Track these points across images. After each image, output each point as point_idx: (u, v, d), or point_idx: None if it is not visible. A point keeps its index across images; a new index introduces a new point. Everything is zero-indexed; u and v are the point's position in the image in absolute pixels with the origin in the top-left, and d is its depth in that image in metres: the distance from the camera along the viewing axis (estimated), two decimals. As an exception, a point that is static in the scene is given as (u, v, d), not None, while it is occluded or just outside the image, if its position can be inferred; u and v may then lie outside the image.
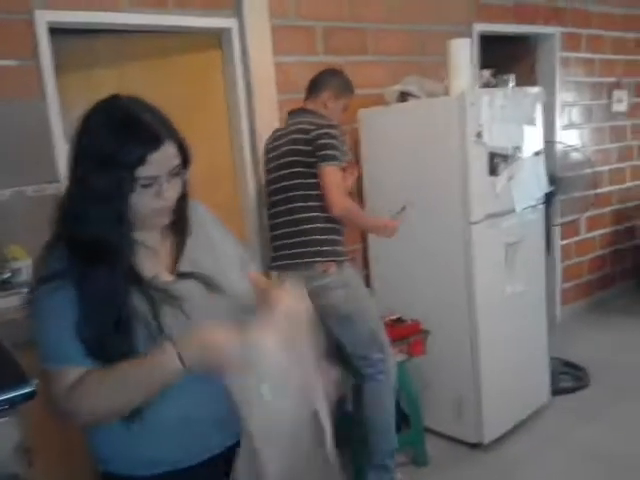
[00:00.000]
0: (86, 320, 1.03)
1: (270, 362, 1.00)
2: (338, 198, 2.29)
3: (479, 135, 2.58)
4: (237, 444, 1.09)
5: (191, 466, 1.14)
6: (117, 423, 1.07)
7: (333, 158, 2.29)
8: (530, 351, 3.05)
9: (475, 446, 2.84)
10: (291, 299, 1.13)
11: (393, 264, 3.01)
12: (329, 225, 2.37)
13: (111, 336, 1.04)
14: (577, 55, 4.22)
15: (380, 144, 2.93)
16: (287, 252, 2.40)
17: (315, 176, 2.32)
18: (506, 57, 4.13)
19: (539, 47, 4.15)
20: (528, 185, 2.89)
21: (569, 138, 4.18)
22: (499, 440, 2.87)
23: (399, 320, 2.80)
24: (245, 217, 2.88)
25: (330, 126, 2.33)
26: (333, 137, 2.31)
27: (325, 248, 2.36)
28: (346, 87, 2.55)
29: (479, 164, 2.63)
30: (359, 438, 2.59)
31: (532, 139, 2.89)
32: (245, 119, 2.75)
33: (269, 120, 2.72)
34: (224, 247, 1.27)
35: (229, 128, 2.82)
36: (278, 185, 2.41)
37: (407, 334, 2.70)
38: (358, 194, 3.10)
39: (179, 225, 1.20)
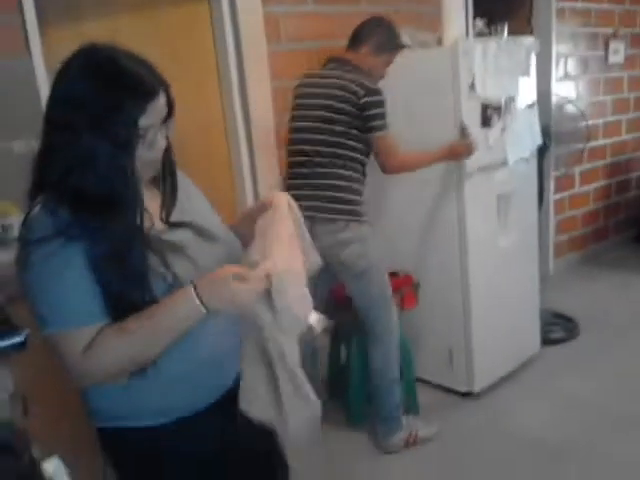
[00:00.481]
0: (106, 277, 1.01)
1: (285, 290, 1.04)
2: (394, 161, 2.34)
3: (472, 86, 2.56)
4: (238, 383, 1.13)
5: (198, 411, 1.15)
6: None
7: (385, 127, 2.30)
8: (521, 303, 3.09)
9: (466, 395, 2.92)
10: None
11: (385, 217, 3.02)
12: (359, 187, 2.40)
13: (134, 290, 1.02)
14: (574, 5, 4.13)
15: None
16: (311, 203, 2.31)
17: (360, 140, 2.32)
18: (501, 7, 4.04)
19: (535, -4, 4.06)
20: (521, 137, 2.87)
21: (564, 90, 4.14)
22: (489, 389, 2.94)
23: (393, 274, 2.83)
24: (236, 171, 2.86)
25: (378, 92, 2.30)
26: (382, 105, 2.30)
27: (352, 207, 2.37)
28: (389, 42, 2.43)
29: (472, 115, 2.61)
30: (354, 385, 2.69)
31: (526, 90, 2.86)
32: (235, 71, 2.70)
33: (258, 73, 2.68)
34: (203, 199, 1.30)
35: (219, 80, 2.77)
36: (314, 136, 2.35)
37: (399, 286, 2.73)
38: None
39: (166, 176, 1.20)
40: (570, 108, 3.91)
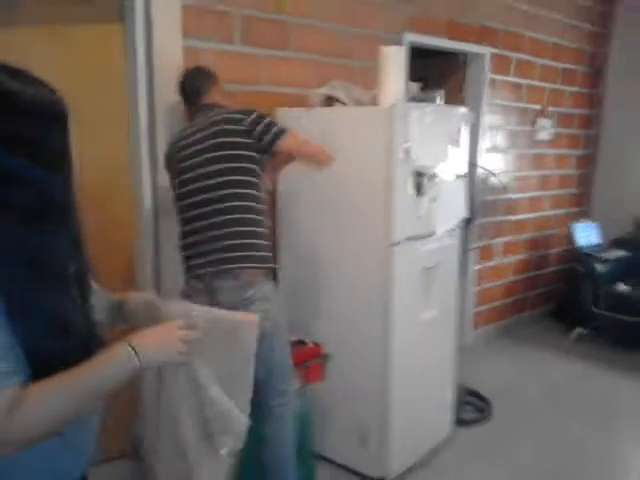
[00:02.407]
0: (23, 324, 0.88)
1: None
2: (294, 141, 2.17)
3: (406, 151, 2.39)
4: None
5: None
6: None
7: (283, 131, 2.12)
8: (438, 379, 2.93)
9: (378, 481, 2.66)
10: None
11: (302, 279, 2.78)
12: (261, 229, 2.14)
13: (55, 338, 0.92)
14: (506, 78, 4.17)
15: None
16: (212, 258, 2.10)
17: (254, 172, 2.11)
18: (434, 73, 4.02)
19: (469, 66, 4.06)
20: (450, 208, 2.74)
21: (492, 162, 4.13)
22: (402, 475, 2.70)
23: (300, 342, 2.58)
24: (139, 215, 2.55)
25: (252, 109, 2.13)
26: (265, 116, 2.13)
27: (256, 253, 2.11)
28: (211, 75, 2.31)
29: (404, 182, 2.44)
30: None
31: (456, 161, 2.75)
32: (145, 107, 2.41)
33: (171, 110, 2.41)
34: None
35: (127, 116, 2.48)
36: (199, 184, 2.10)
37: (305, 358, 2.48)
38: (271, 206, 2.84)
39: None
40: (494, 181, 3.89)
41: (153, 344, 1.03)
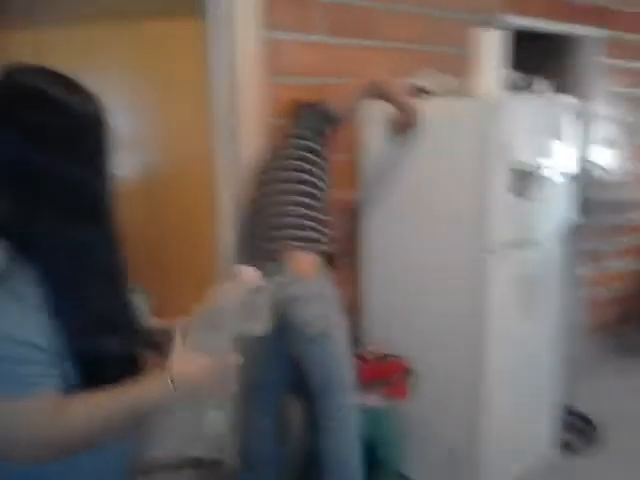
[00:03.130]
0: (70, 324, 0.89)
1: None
2: None
3: (504, 147, 2.14)
4: None
5: None
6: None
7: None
8: (539, 398, 2.65)
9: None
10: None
11: (386, 289, 2.59)
12: (308, 211, 2.00)
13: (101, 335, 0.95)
14: (621, 63, 3.73)
15: (381, 143, 2.48)
16: (257, 248, 2.02)
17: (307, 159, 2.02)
18: (536, 59, 3.65)
19: (577, 50, 3.66)
20: (554, 209, 2.44)
21: (604, 157, 3.71)
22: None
23: (383, 356, 2.40)
24: (218, 215, 2.47)
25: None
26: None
27: (303, 233, 1.96)
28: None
29: (501, 182, 2.18)
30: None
31: (563, 157, 2.44)
32: (225, 101, 2.31)
33: (253, 105, 2.29)
34: None
35: (206, 109, 2.40)
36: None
37: (388, 373, 2.29)
38: (350, 212, 2.69)
39: None
40: (609, 177, 3.49)
41: (193, 379, 1.00)
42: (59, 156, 0.90)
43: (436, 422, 2.47)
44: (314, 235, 1.98)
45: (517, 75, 2.46)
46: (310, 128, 2.02)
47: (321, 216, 2.03)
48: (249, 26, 2.24)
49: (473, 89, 2.26)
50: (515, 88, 2.40)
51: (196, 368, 1.00)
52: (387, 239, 2.57)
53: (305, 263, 1.93)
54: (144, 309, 1.14)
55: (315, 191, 2.03)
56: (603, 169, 3.42)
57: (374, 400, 2.29)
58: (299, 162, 2.01)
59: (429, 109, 2.31)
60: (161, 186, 2.45)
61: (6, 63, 0.93)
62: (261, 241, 2.02)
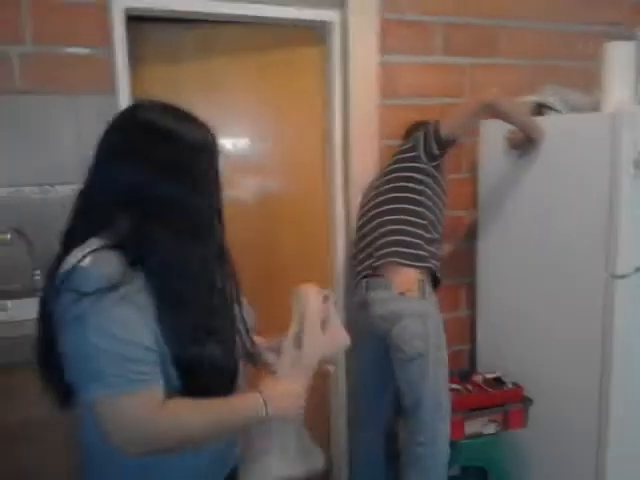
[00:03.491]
0: (178, 325, 0.98)
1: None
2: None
3: (637, 165, 1.99)
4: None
5: None
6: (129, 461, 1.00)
7: (437, 122, 2.01)
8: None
9: None
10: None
11: (505, 311, 2.48)
12: (419, 230, 2.02)
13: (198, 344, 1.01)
14: None
15: (502, 163, 2.40)
16: (368, 261, 2.06)
17: (417, 181, 2.04)
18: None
19: None
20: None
21: None
22: None
23: (497, 381, 2.29)
24: (331, 236, 2.52)
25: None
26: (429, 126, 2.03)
27: (407, 250, 1.97)
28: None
29: (633, 202, 2.03)
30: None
31: None
32: (339, 126, 2.37)
33: (365, 126, 2.33)
34: None
35: (322, 135, 2.46)
36: (385, 206, 2.10)
37: (505, 400, 2.19)
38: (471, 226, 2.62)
39: None
40: None
41: (282, 401, 1.08)
42: (170, 180, 0.99)
43: (558, 457, 2.31)
44: (419, 253, 1.98)
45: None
46: (418, 148, 2.01)
47: (428, 235, 2.02)
48: (364, 51, 2.28)
49: (603, 104, 2.13)
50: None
51: (287, 393, 1.10)
52: (505, 261, 2.47)
53: (408, 279, 1.93)
54: (252, 324, 1.18)
55: (421, 209, 2.02)
56: None
57: (484, 426, 2.20)
58: (405, 182, 2.02)
59: (552, 126, 2.21)
60: (279, 205, 2.54)
61: (135, 98, 1.06)
62: (367, 257, 2.05)
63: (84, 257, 0.94)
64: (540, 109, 2.31)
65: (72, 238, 1.02)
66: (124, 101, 2.03)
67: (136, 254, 0.96)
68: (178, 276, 0.99)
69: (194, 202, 1.02)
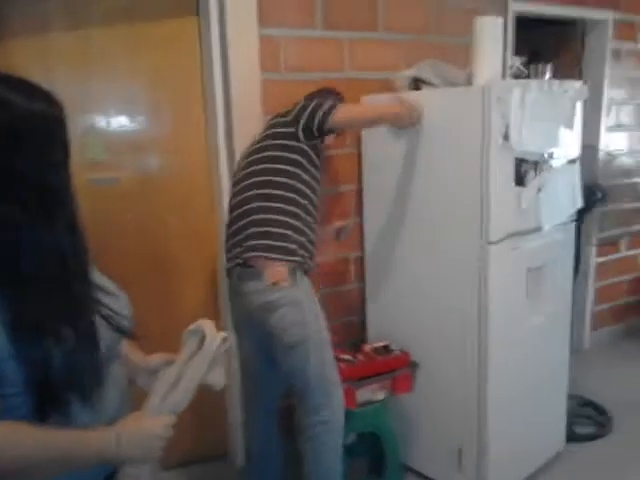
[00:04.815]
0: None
1: None
2: (341, 111, 1.97)
3: (506, 136, 2.10)
4: None
5: None
6: None
7: (333, 106, 1.96)
8: (547, 391, 2.60)
9: (476, 504, 2.41)
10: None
11: (392, 282, 2.57)
12: (292, 220, 1.96)
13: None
14: (631, 46, 3.64)
15: (384, 138, 2.45)
16: (234, 252, 2.00)
17: (295, 163, 1.97)
18: (548, 45, 3.59)
19: (588, 34, 3.59)
20: (560, 198, 2.40)
21: (615, 141, 3.64)
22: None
23: (386, 349, 2.38)
24: (218, 212, 2.47)
25: (301, 102, 2.02)
26: (313, 100, 2.00)
27: (278, 243, 1.92)
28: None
29: (503, 171, 2.15)
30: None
31: (568, 143, 2.39)
32: (221, 102, 2.31)
33: (248, 101, 2.28)
34: None
35: (204, 111, 2.40)
36: (257, 179, 2.00)
37: (392, 366, 2.28)
38: (357, 203, 2.67)
39: None
40: (621, 162, 3.42)
41: (139, 441, 0.99)
42: (8, 151, 0.91)
43: (443, 418, 2.44)
44: (288, 246, 1.94)
45: (521, 61, 2.42)
46: (298, 124, 1.95)
47: (298, 223, 1.97)
48: (243, 23, 2.22)
49: (474, 78, 2.22)
50: (519, 75, 2.36)
51: (147, 433, 1.00)
52: (389, 232, 2.54)
53: (278, 271, 1.91)
54: (126, 313, 1.10)
55: (293, 195, 1.96)
56: (615, 154, 3.35)
57: (375, 393, 2.28)
58: (278, 164, 1.96)
59: (429, 99, 2.28)
60: (162, 184, 2.46)
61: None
62: (237, 246, 1.99)
63: None
64: (417, 83, 2.37)
65: None
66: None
67: None
68: (29, 259, 0.90)
69: (38, 175, 0.93)
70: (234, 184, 2.08)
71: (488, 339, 2.24)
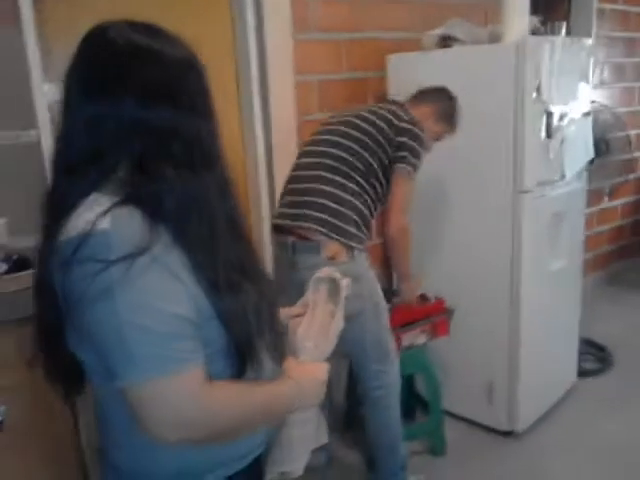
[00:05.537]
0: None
1: None
2: (400, 215, 1.97)
3: (538, 90, 2.23)
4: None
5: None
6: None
7: (412, 165, 1.95)
8: (565, 330, 2.83)
9: (506, 434, 2.61)
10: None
11: (426, 231, 2.67)
12: (363, 208, 1.97)
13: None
14: (614, 7, 3.83)
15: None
16: (302, 211, 1.93)
17: (377, 172, 1.97)
18: (538, 5, 3.72)
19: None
20: (578, 149, 2.57)
21: (599, 98, 3.85)
22: (530, 429, 2.63)
23: (422, 297, 2.50)
24: (251, 175, 2.53)
25: (420, 128, 1.99)
26: (420, 142, 1.98)
27: (349, 228, 1.92)
28: (452, 116, 2.16)
29: (536, 124, 2.28)
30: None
31: (584, 97, 2.55)
32: (255, 61, 2.35)
33: (281, 61, 2.34)
34: None
35: (236, 71, 2.42)
36: (332, 150, 1.96)
37: (429, 313, 2.41)
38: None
39: None
40: (607, 117, 3.62)
41: (312, 390, 1.02)
42: (166, 106, 0.85)
43: (474, 358, 2.62)
44: (352, 231, 1.93)
45: (537, 20, 2.54)
46: (392, 135, 1.96)
47: (367, 212, 1.99)
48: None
49: (503, 35, 2.33)
50: (538, 33, 2.48)
51: (316, 382, 1.03)
52: (423, 183, 2.63)
53: (336, 247, 1.92)
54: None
55: (368, 187, 1.98)
56: (606, 108, 3.54)
57: (416, 338, 2.40)
58: (377, 155, 1.97)
59: (460, 56, 2.38)
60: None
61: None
62: (296, 216, 1.95)
63: (100, 218, 0.78)
64: (445, 41, 2.46)
65: (64, 198, 0.84)
66: (30, 37, 1.84)
67: (152, 203, 0.81)
68: (200, 215, 0.85)
69: (195, 128, 0.87)
70: (310, 143, 2.06)
71: (521, 280, 2.40)
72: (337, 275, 1.19)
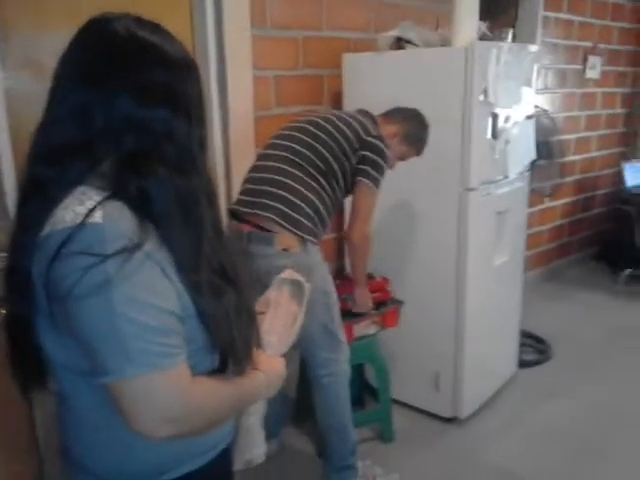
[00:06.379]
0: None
1: None
2: (364, 225, 2.06)
3: (485, 93, 2.35)
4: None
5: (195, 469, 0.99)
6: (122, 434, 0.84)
7: (373, 178, 2.03)
8: (506, 322, 2.98)
9: (450, 420, 2.73)
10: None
11: (375, 225, 2.76)
12: (323, 210, 2.02)
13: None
14: (558, 15, 4.03)
15: (367, 97, 2.61)
16: (260, 200, 1.96)
17: (337, 178, 2.04)
18: (485, 11, 3.88)
19: (521, 3, 3.92)
20: (521, 150, 2.71)
21: (543, 102, 4.04)
22: (472, 415, 2.77)
23: (368, 276, 2.57)
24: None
25: (386, 145, 2.07)
26: (385, 159, 2.05)
27: (304, 221, 1.96)
28: (418, 139, 2.24)
29: (482, 125, 2.40)
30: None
31: (526, 101, 2.70)
32: (214, 55, 2.38)
33: (240, 59, 2.37)
34: None
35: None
36: (296, 146, 2.01)
37: (375, 290, 2.47)
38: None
39: None
40: (546, 122, 3.81)
41: (276, 382, 1.06)
42: (164, 105, 0.83)
43: (420, 348, 2.73)
44: (307, 224, 1.96)
45: (485, 26, 2.66)
46: (359, 147, 2.03)
47: (323, 210, 2.03)
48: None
49: (453, 39, 2.44)
50: (485, 38, 2.60)
51: (279, 374, 1.07)
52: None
53: (289, 238, 1.96)
54: None
55: (328, 187, 2.03)
56: (548, 113, 3.72)
57: (367, 328, 2.49)
58: (340, 162, 2.03)
59: (412, 58, 2.47)
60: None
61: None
62: (252, 204, 1.98)
63: (91, 211, 0.76)
64: (399, 43, 2.55)
65: (46, 188, 0.81)
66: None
67: (143, 201, 0.80)
68: (189, 217, 0.84)
69: (189, 132, 0.86)
70: (277, 137, 2.10)
71: (466, 274, 2.52)
72: (300, 278, 1.25)
